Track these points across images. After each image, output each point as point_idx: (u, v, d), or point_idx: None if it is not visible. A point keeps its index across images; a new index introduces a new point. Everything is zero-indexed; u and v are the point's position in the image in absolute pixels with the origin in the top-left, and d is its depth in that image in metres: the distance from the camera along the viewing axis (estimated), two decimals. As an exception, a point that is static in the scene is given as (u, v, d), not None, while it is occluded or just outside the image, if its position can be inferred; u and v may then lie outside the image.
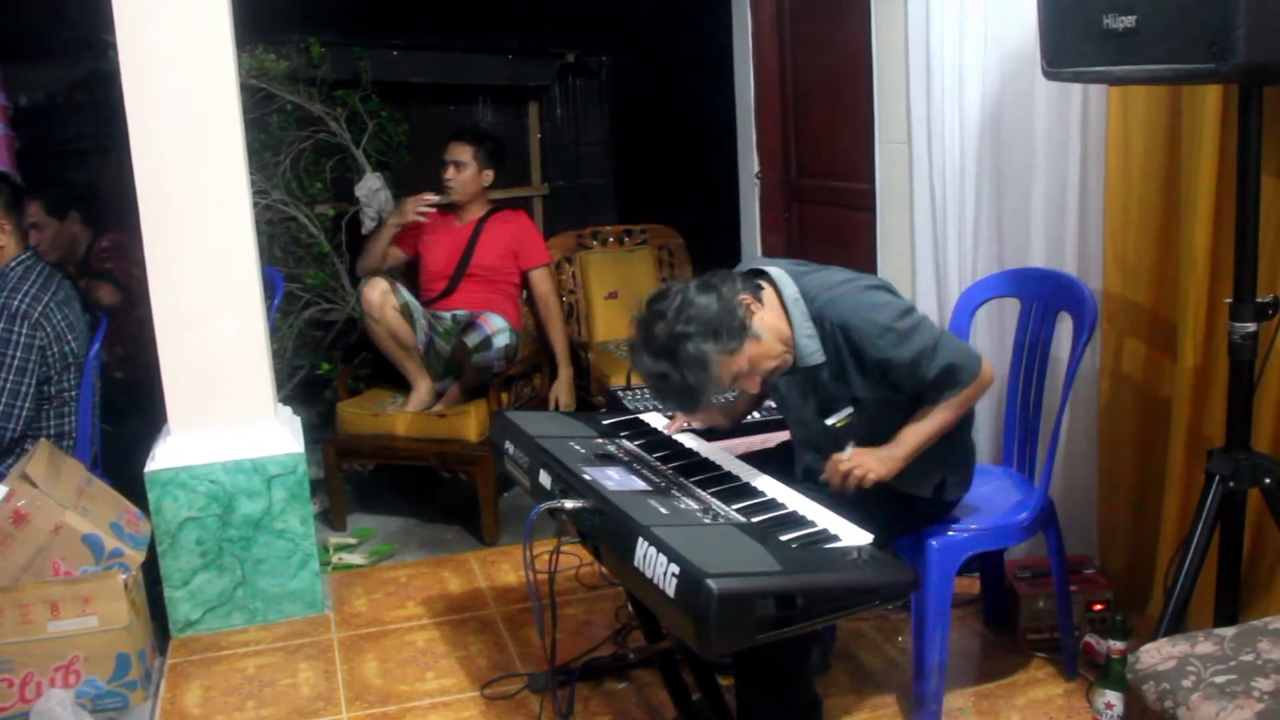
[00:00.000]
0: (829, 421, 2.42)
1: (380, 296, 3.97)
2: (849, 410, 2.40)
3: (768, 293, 2.36)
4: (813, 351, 2.36)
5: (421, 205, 4.26)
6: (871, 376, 2.35)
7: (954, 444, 2.49)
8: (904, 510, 2.50)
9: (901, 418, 2.42)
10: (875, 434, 2.41)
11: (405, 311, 4.00)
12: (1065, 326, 2.79)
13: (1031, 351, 2.85)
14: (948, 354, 2.33)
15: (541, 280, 4.37)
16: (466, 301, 4.25)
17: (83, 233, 4.29)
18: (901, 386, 2.37)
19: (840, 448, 2.38)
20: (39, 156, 4.82)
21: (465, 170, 4.28)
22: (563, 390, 4.34)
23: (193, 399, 3.25)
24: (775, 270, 2.41)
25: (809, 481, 2.52)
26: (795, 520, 2.21)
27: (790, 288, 2.37)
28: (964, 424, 2.52)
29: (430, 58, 5.89)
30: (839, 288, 2.37)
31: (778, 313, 2.35)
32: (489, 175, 4.34)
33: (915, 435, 2.38)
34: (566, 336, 4.44)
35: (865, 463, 2.32)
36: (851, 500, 2.32)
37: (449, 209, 4.39)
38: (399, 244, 4.40)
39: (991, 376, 2.42)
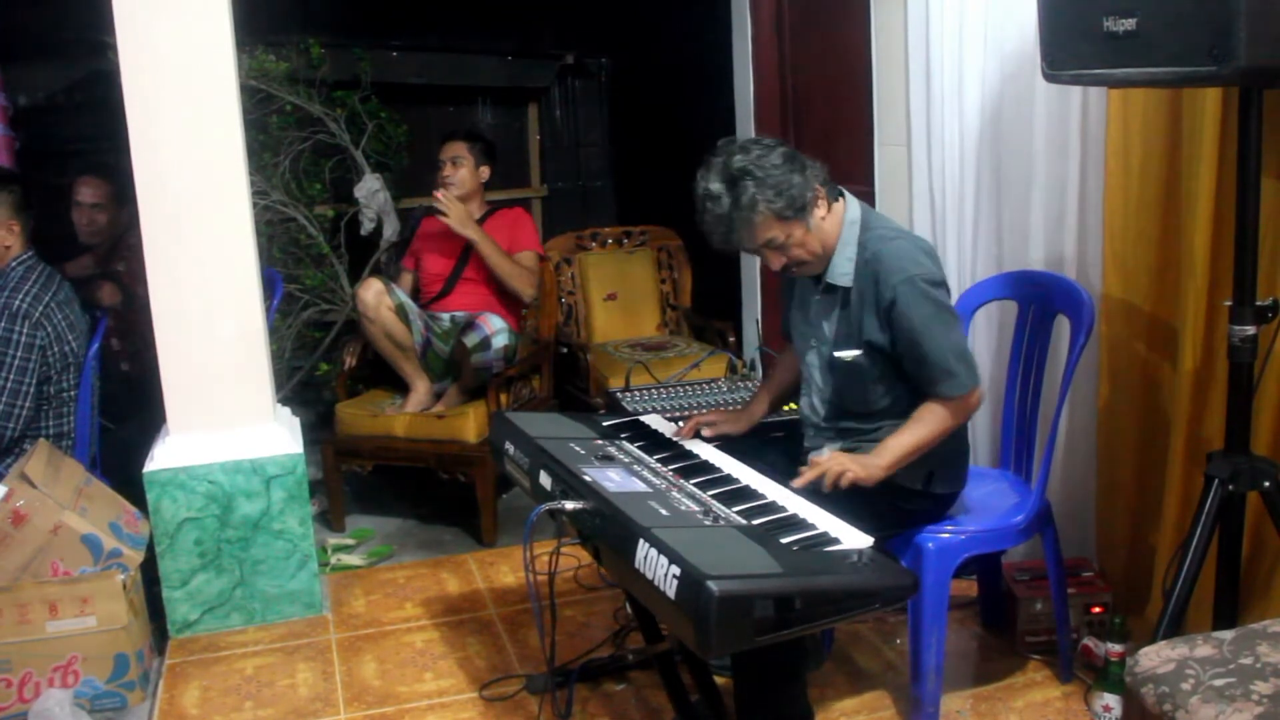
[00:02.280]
0: (837, 354, 2.51)
1: (375, 297, 3.97)
2: (859, 352, 2.48)
3: (838, 206, 2.51)
4: (844, 273, 2.49)
5: None
6: (881, 319, 2.42)
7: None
8: (897, 504, 2.51)
9: (899, 389, 2.48)
10: (875, 382, 2.50)
11: (400, 312, 4.00)
12: (1063, 329, 2.79)
13: (1030, 354, 2.85)
14: (950, 349, 2.39)
15: (526, 258, 4.30)
16: (464, 303, 4.26)
17: (129, 224, 4.30)
18: (898, 350, 2.42)
19: (841, 387, 2.53)
20: (39, 157, 4.81)
21: (463, 166, 4.30)
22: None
23: (192, 399, 3.25)
24: (850, 197, 2.56)
25: (809, 414, 2.65)
26: (795, 523, 2.21)
27: (855, 210, 2.53)
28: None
29: (430, 59, 5.90)
30: (895, 231, 2.52)
31: (834, 226, 2.49)
32: (485, 172, 4.36)
33: (896, 447, 2.40)
34: (513, 276, 4.26)
35: (844, 462, 2.34)
36: (845, 494, 2.33)
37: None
38: (407, 266, 4.46)
39: (978, 401, 2.47)
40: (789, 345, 2.86)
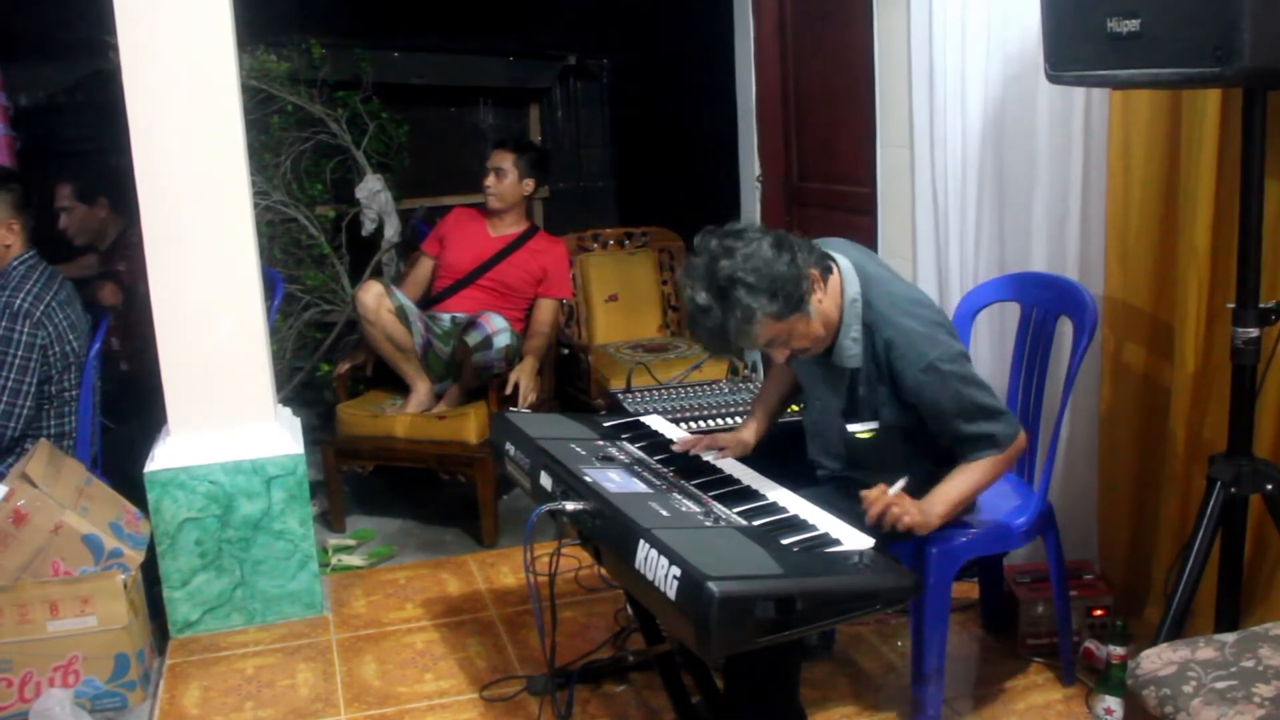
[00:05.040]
0: (850, 428, 2.43)
1: (375, 300, 3.97)
2: (874, 425, 2.41)
3: (834, 278, 2.36)
4: (852, 355, 2.38)
5: None
6: (901, 403, 2.36)
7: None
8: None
9: (925, 451, 2.42)
10: (892, 456, 2.43)
11: (400, 314, 4.00)
12: (1066, 330, 2.79)
13: (1032, 356, 2.85)
14: (984, 418, 2.34)
15: (549, 309, 4.35)
16: (467, 306, 4.25)
17: (111, 219, 4.30)
18: (929, 427, 2.38)
19: (857, 456, 2.44)
20: (39, 157, 4.82)
21: (506, 178, 4.29)
22: (525, 374, 4.06)
23: (192, 399, 3.25)
24: (844, 263, 2.40)
25: (817, 458, 2.57)
26: (796, 524, 2.21)
27: (854, 286, 2.37)
28: None
29: (431, 59, 5.90)
30: (900, 307, 2.37)
31: (834, 302, 2.35)
32: (529, 185, 4.34)
33: (948, 496, 2.36)
34: (543, 352, 4.31)
35: (906, 508, 2.27)
36: (852, 506, 2.32)
37: (486, 212, 4.39)
38: (430, 251, 4.45)
39: (1023, 444, 2.42)
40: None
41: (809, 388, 2.60)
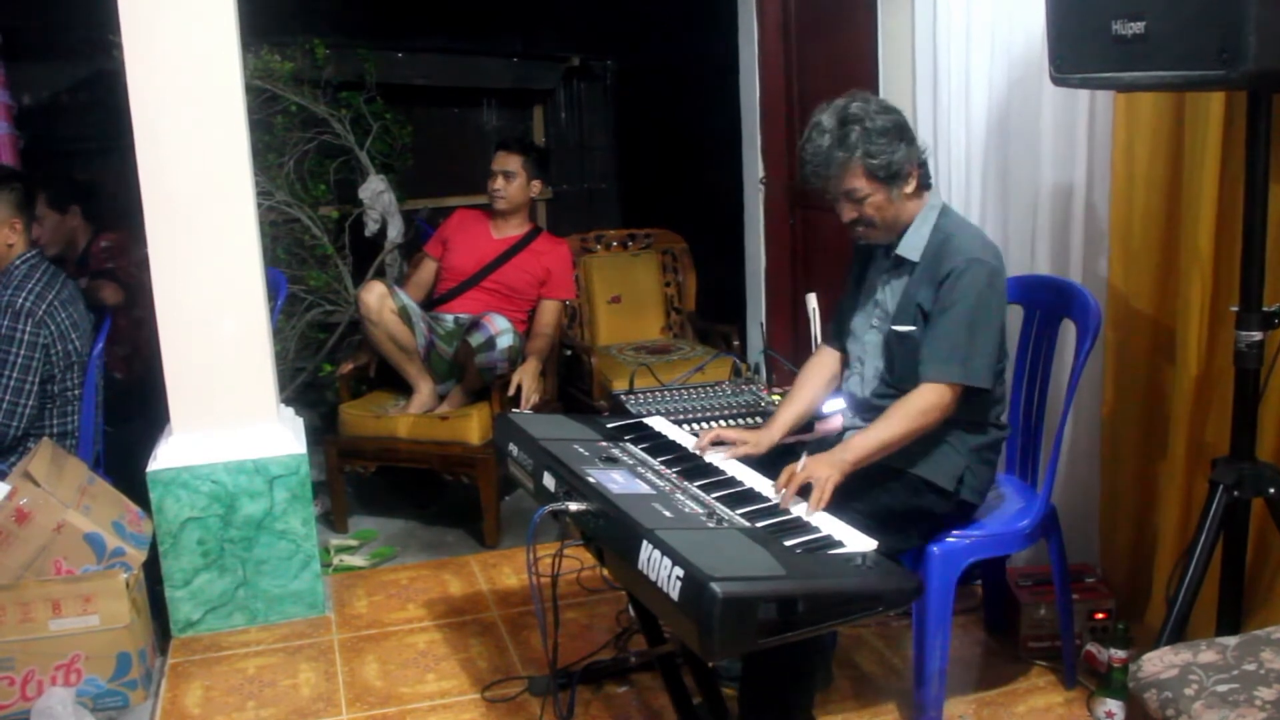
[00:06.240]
0: (896, 327, 2.53)
1: (378, 300, 3.97)
2: (915, 328, 2.50)
3: (926, 193, 2.58)
4: (915, 247, 2.55)
5: None
6: (936, 291, 2.45)
7: (981, 438, 2.55)
8: (920, 512, 2.50)
9: None
10: (915, 366, 2.49)
11: (403, 315, 4.00)
12: (1069, 333, 2.79)
13: (1035, 358, 2.85)
14: (970, 338, 2.41)
15: (552, 310, 4.36)
16: (471, 308, 4.25)
17: (82, 228, 4.30)
18: (931, 315, 2.46)
19: (895, 362, 2.55)
20: (42, 155, 4.82)
21: (515, 181, 4.29)
22: (528, 375, 4.06)
23: (195, 399, 3.25)
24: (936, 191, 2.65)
25: (853, 391, 2.68)
26: (799, 525, 2.20)
27: (939, 200, 2.61)
28: (992, 427, 2.58)
29: (435, 60, 5.91)
30: (976, 228, 2.65)
31: (914, 207, 2.56)
32: (536, 186, 4.35)
33: (864, 442, 2.41)
34: (546, 354, 4.32)
35: (818, 471, 2.31)
36: (868, 501, 2.34)
37: (489, 213, 4.39)
38: (432, 253, 4.46)
39: (952, 402, 2.44)
40: (825, 350, 2.82)
41: (864, 308, 2.67)
